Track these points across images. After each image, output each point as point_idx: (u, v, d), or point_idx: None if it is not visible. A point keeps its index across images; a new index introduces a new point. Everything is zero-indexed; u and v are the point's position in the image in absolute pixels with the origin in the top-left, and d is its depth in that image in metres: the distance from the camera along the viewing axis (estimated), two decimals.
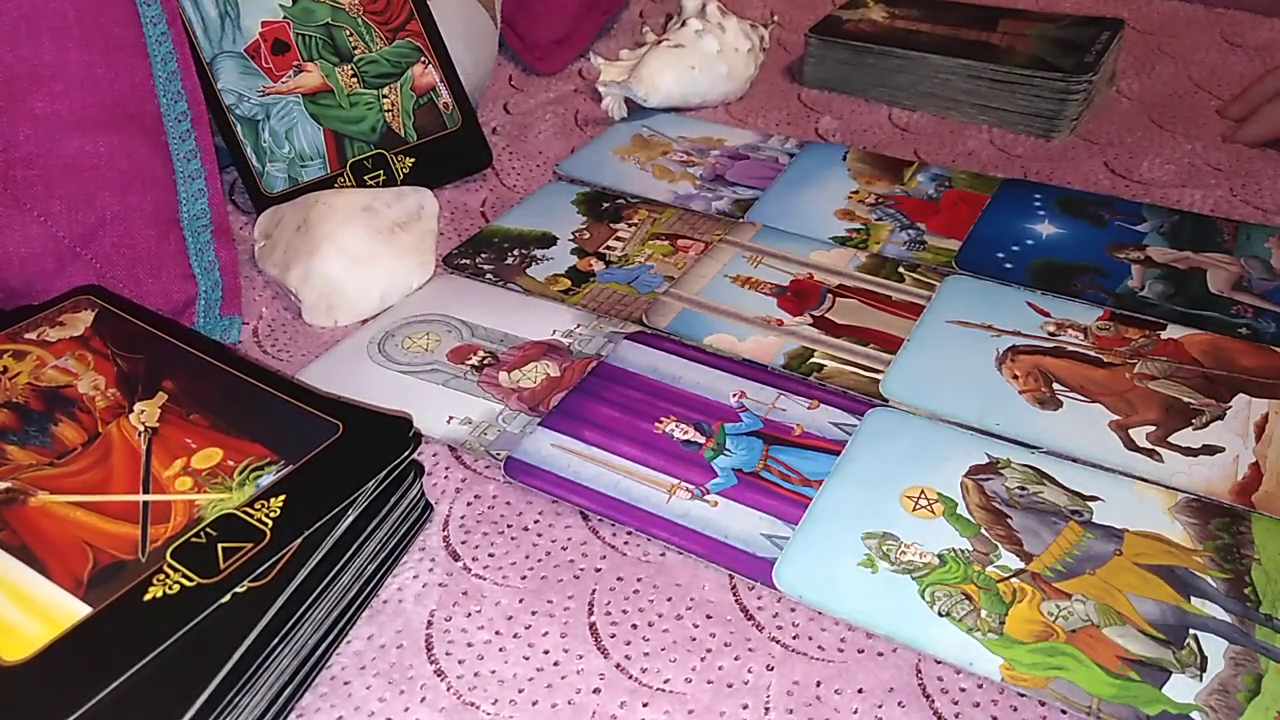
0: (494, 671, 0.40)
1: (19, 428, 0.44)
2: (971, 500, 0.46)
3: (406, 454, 0.43)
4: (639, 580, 0.44)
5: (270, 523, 0.39)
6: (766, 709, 0.39)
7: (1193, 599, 0.41)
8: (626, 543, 0.46)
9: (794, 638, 0.41)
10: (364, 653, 0.41)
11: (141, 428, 0.44)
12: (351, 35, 0.69)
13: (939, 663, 0.40)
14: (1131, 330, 0.56)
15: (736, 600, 0.43)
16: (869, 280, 0.61)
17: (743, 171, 0.73)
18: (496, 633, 0.42)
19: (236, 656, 0.35)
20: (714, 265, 0.63)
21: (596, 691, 0.39)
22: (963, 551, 0.44)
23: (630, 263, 0.64)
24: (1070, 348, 0.55)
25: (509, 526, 0.47)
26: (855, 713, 0.38)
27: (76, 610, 0.36)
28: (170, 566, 0.37)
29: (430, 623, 0.42)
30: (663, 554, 0.45)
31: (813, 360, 0.55)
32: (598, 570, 0.44)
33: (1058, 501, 0.46)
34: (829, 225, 0.67)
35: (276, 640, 0.37)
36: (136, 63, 0.56)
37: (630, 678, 0.40)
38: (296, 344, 0.59)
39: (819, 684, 0.40)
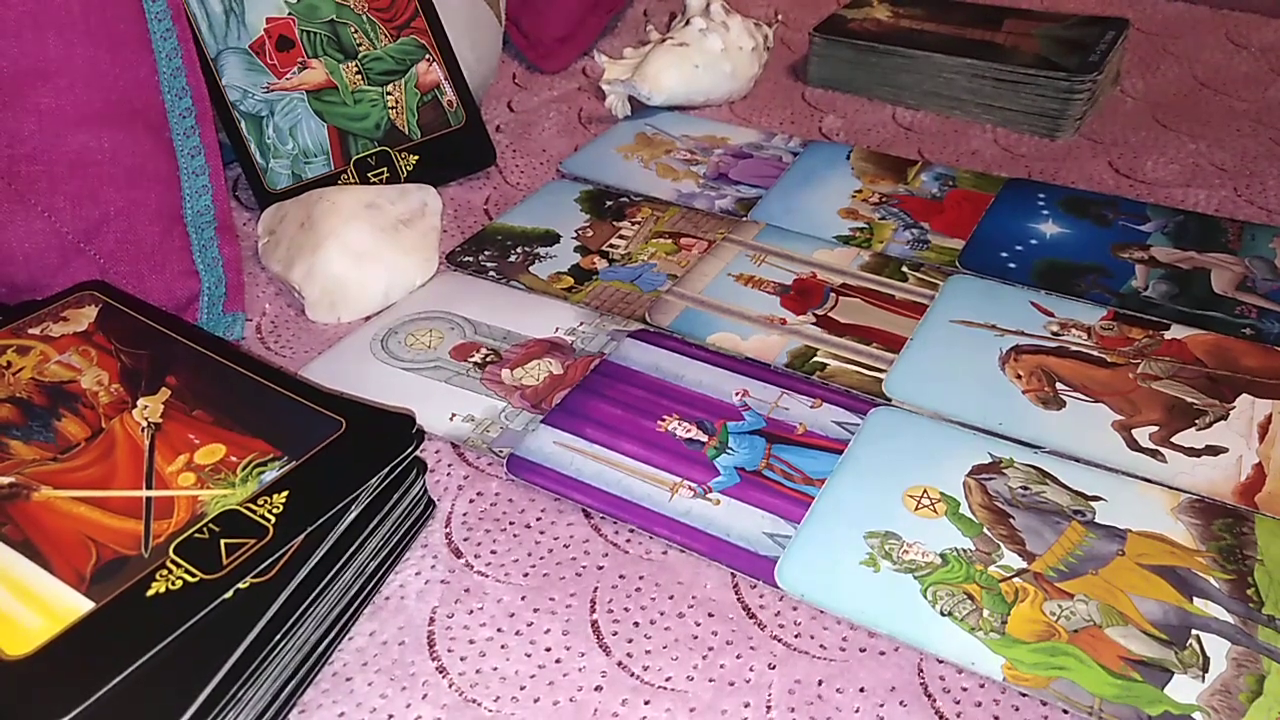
0: (496, 669, 0.40)
1: (23, 423, 0.44)
2: (974, 500, 0.46)
3: (409, 451, 0.43)
4: (641, 578, 0.44)
5: (273, 519, 0.39)
6: (768, 707, 0.39)
7: (1195, 600, 0.41)
8: (629, 540, 0.46)
9: (796, 636, 0.41)
10: (366, 649, 0.41)
11: (145, 423, 0.44)
12: (356, 32, 0.69)
13: (941, 662, 0.40)
14: (1135, 330, 0.56)
15: (738, 599, 0.43)
16: (872, 279, 0.61)
17: (746, 170, 0.73)
18: (498, 630, 0.42)
19: (239, 652, 0.35)
20: (717, 264, 0.63)
21: (598, 689, 0.39)
22: (965, 551, 0.44)
23: (633, 261, 0.64)
24: (1074, 347, 0.55)
25: (511, 524, 0.47)
26: (857, 712, 0.38)
27: (79, 605, 0.36)
28: (173, 562, 0.37)
29: (432, 619, 0.42)
30: (665, 552, 0.45)
31: (815, 359, 0.55)
32: (600, 568, 0.45)
33: (1060, 501, 0.46)
34: (832, 224, 0.67)
35: (279, 636, 0.37)
36: (141, 59, 0.56)
37: (632, 675, 0.40)
38: (299, 340, 0.59)
39: (821, 683, 0.40)
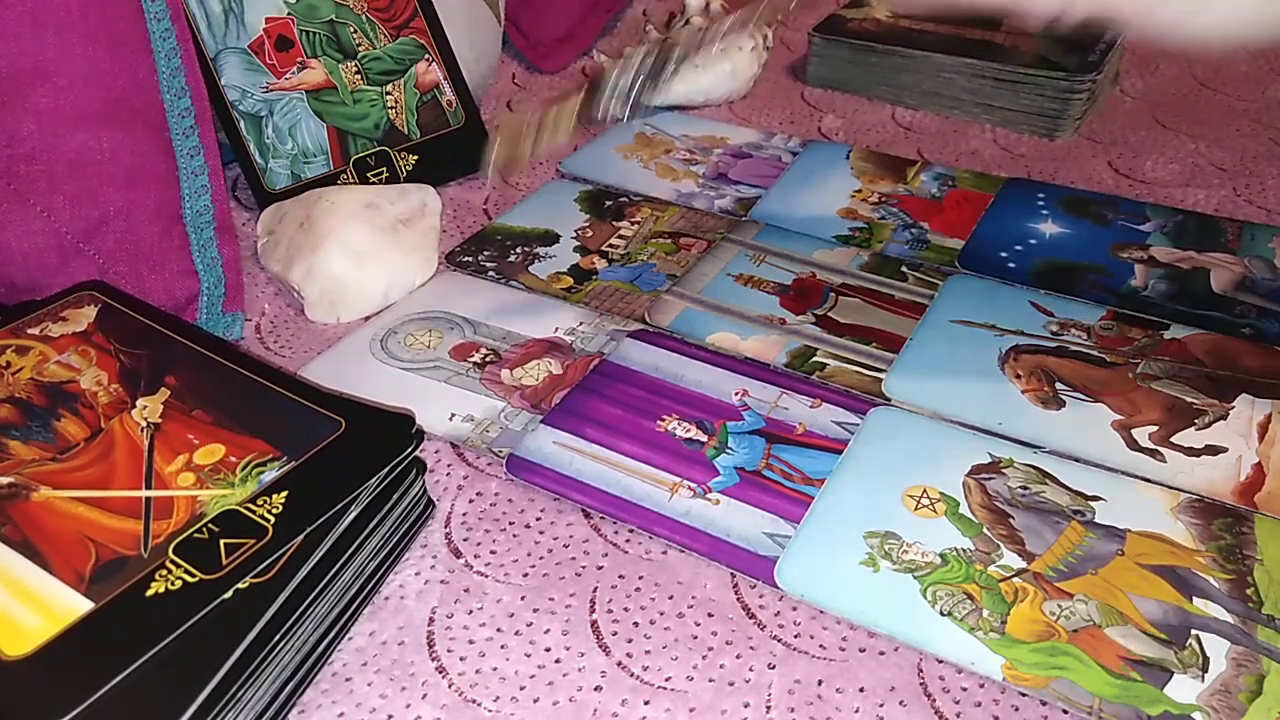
0: (495, 669, 0.40)
1: (22, 423, 0.44)
2: (974, 499, 0.46)
3: (409, 451, 0.43)
4: (640, 578, 0.44)
5: (272, 519, 0.39)
6: (768, 707, 0.39)
7: (1195, 599, 0.41)
8: (628, 540, 0.46)
9: (796, 636, 0.41)
10: (366, 649, 0.41)
11: (144, 423, 0.44)
12: (355, 32, 0.69)
13: (940, 662, 0.40)
14: (1134, 330, 0.56)
15: (738, 599, 0.43)
16: (871, 279, 0.61)
17: (746, 170, 0.73)
18: (498, 630, 0.42)
19: (239, 652, 0.35)
20: (716, 264, 0.63)
21: (598, 689, 0.39)
22: (965, 551, 0.44)
23: (633, 261, 0.64)
24: (1073, 347, 0.55)
25: (511, 524, 0.47)
26: (857, 711, 0.38)
27: (79, 605, 0.36)
28: (172, 562, 0.37)
29: (432, 619, 0.42)
30: (664, 552, 0.45)
31: (815, 359, 0.55)
32: (599, 568, 0.44)
33: (1060, 501, 0.46)
34: (832, 224, 0.67)
35: (278, 636, 0.37)
36: (140, 58, 0.56)
37: (632, 675, 0.40)
38: (299, 340, 0.59)
39: (820, 683, 0.40)
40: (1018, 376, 0.53)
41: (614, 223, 0.68)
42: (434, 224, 0.65)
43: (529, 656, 0.41)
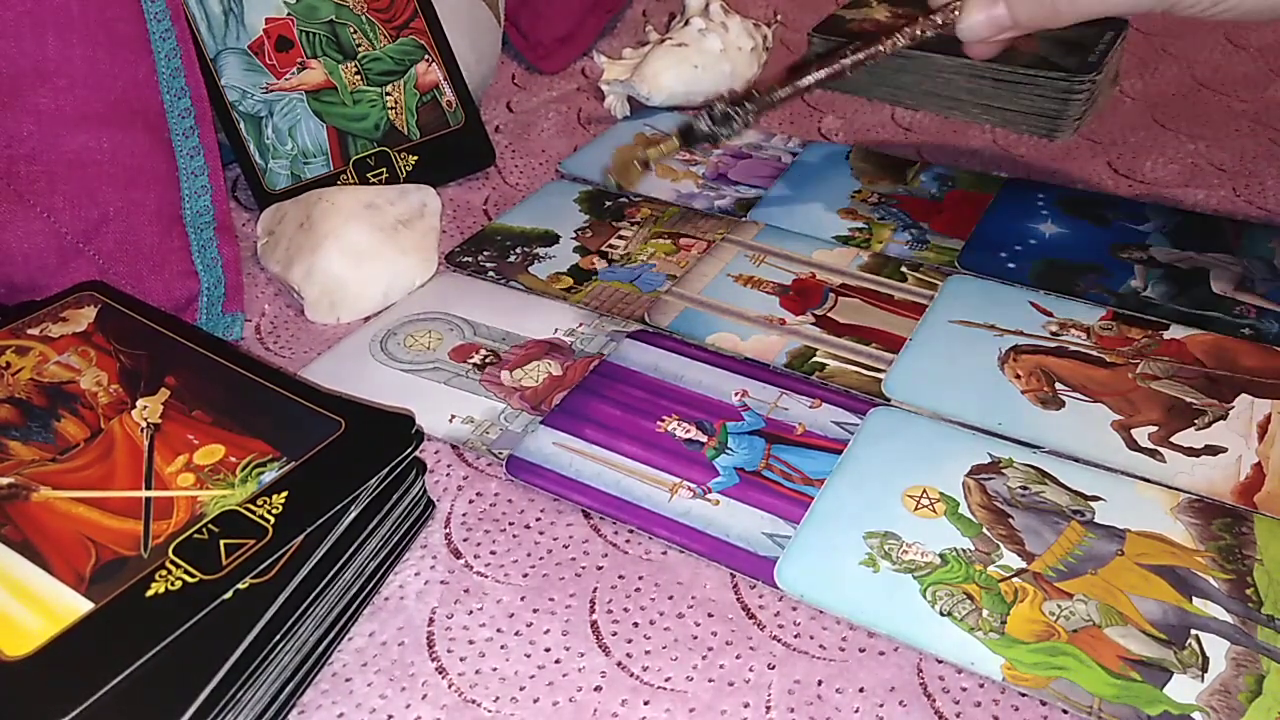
0: (495, 669, 0.40)
1: (22, 423, 0.44)
2: (973, 500, 0.46)
3: (409, 451, 0.43)
4: (640, 579, 0.44)
5: (272, 519, 0.39)
6: (768, 708, 0.39)
7: (1194, 599, 0.41)
8: (628, 541, 0.46)
9: (795, 636, 0.41)
10: (365, 649, 0.41)
11: (144, 424, 0.44)
12: (355, 32, 0.69)
13: (940, 662, 0.40)
14: (1134, 330, 0.56)
15: (738, 599, 0.43)
16: (871, 279, 0.61)
17: (745, 170, 0.73)
18: (498, 630, 0.42)
19: (238, 653, 0.35)
20: (716, 264, 0.63)
21: (598, 689, 0.39)
22: (964, 551, 0.44)
23: (632, 261, 0.64)
24: (1073, 347, 0.55)
25: (511, 524, 0.47)
26: (856, 711, 0.39)
27: (79, 606, 0.36)
28: (172, 563, 0.37)
29: (432, 620, 0.42)
30: (664, 552, 0.45)
31: (815, 359, 0.55)
32: (599, 568, 0.45)
33: (1060, 501, 0.46)
34: (831, 224, 0.67)
35: (278, 637, 0.37)
36: (140, 59, 0.56)
37: (631, 676, 0.40)
38: (299, 341, 0.59)
39: (820, 683, 0.40)
40: (1017, 376, 0.53)
41: (614, 223, 0.68)
42: (434, 224, 0.65)
43: (529, 657, 0.41)
